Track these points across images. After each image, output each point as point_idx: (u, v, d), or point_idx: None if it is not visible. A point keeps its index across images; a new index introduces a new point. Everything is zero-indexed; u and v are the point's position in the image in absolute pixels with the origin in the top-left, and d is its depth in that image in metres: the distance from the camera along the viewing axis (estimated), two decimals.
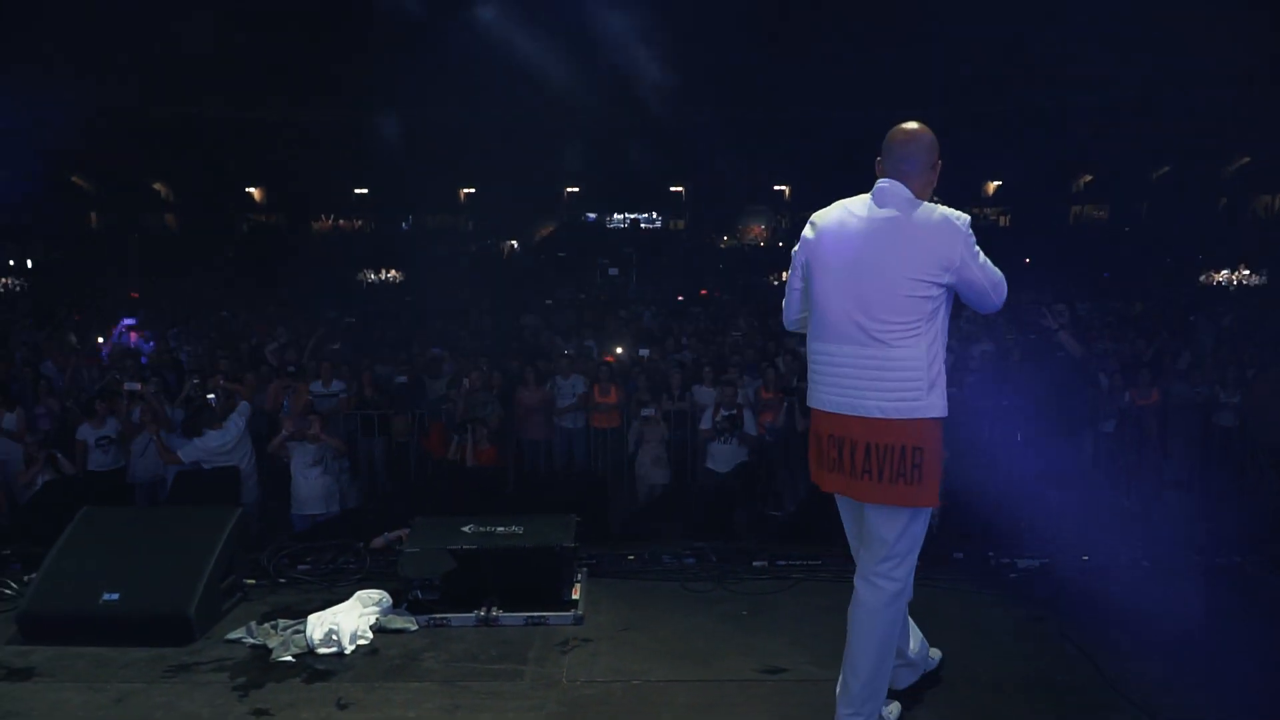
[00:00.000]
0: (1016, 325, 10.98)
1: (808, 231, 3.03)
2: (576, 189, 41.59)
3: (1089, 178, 40.93)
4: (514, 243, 39.32)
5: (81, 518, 4.22)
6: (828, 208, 3.02)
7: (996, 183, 42.24)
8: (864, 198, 2.94)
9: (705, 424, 8.82)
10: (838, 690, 2.98)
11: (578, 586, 4.14)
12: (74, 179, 37.43)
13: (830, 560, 4.41)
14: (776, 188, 44.71)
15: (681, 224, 45.52)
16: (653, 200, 43.62)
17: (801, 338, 3.15)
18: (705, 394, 10.39)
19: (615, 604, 4.16)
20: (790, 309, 3.16)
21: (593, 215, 43.19)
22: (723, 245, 42.71)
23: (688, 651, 3.69)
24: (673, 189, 44.13)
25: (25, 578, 4.42)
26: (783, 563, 4.48)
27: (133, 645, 3.76)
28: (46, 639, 3.81)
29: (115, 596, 3.81)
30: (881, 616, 2.90)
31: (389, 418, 9.82)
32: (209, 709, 3.28)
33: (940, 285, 2.82)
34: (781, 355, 12.05)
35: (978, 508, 6.28)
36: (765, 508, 9.11)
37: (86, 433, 8.58)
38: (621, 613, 4.07)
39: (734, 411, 8.62)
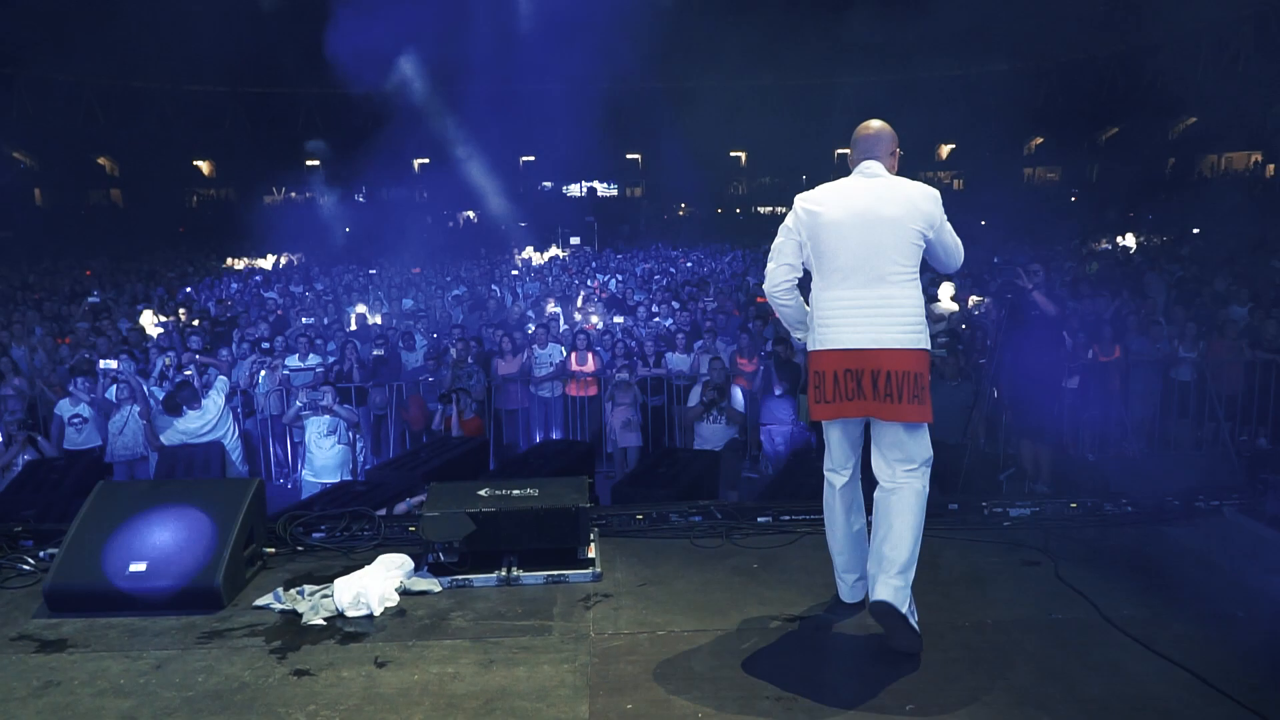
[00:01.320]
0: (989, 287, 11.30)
1: (802, 208, 3.52)
2: (532, 158, 41.34)
3: (1040, 140, 41.59)
4: (471, 213, 39.03)
5: (99, 492, 4.25)
6: (814, 190, 3.54)
7: (950, 146, 42.78)
8: (850, 179, 3.53)
9: (693, 401, 8.91)
10: (872, 568, 3.41)
11: (593, 545, 4.26)
12: (16, 154, 36.43)
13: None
14: (733, 154, 44.85)
15: (639, 191, 45.50)
16: (609, 169, 43.53)
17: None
18: (679, 360, 10.56)
19: (630, 562, 4.30)
20: (777, 274, 3.61)
21: (549, 184, 43.00)
22: (681, 214, 42.77)
23: (706, 604, 3.84)
24: (629, 156, 44.06)
25: (40, 553, 4.45)
26: (787, 517, 4.64)
27: (161, 615, 3.83)
28: (74, 611, 3.86)
29: (142, 567, 3.87)
30: (919, 500, 3.42)
31: (366, 390, 9.86)
32: (250, 671, 3.37)
33: (926, 239, 3.43)
34: (753, 322, 12.25)
35: (959, 462, 6.55)
36: (742, 469, 9.34)
37: (64, 409, 8.53)
38: (637, 570, 4.21)
39: (717, 388, 8.73)
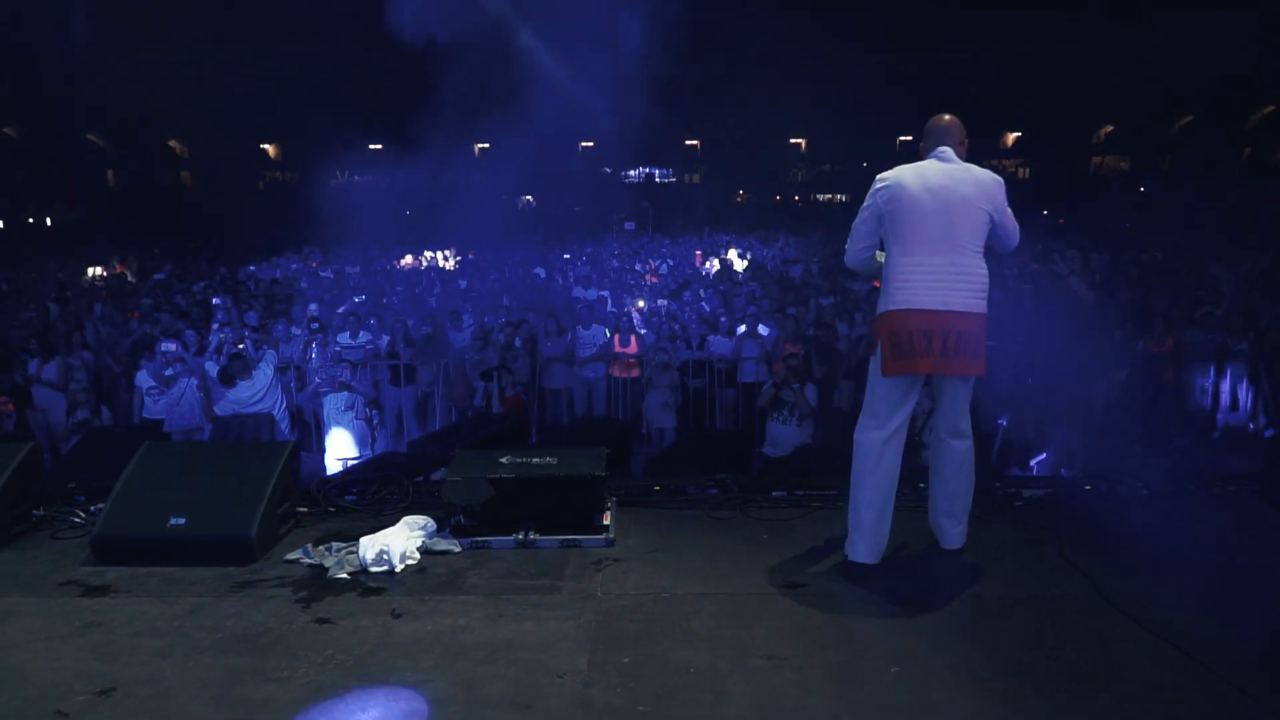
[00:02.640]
0: (1028, 273, 11.15)
1: (883, 184, 3.90)
2: (591, 143, 41.47)
3: (1110, 128, 40.58)
4: (529, 197, 39.34)
5: (144, 451, 4.52)
6: (895, 169, 3.92)
7: (1016, 134, 41.96)
8: (927, 161, 3.93)
9: (763, 400, 8.44)
10: (934, 518, 4.07)
11: (608, 514, 4.41)
12: (90, 137, 37.65)
13: (845, 489, 4.67)
14: (793, 140, 44.50)
15: (697, 178, 45.41)
16: (668, 154, 43.47)
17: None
18: (722, 344, 10.66)
19: (643, 530, 4.44)
20: (856, 244, 4.05)
21: (608, 170, 43.09)
22: (739, 200, 42.61)
23: (712, 570, 3.97)
24: (688, 142, 44.00)
25: (91, 508, 4.73)
26: (801, 493, 4.73)
27: (198, 565, 4.07)
28: (118, 560, 4.12)
29: (182, 521, 4.12)
30: (971, 455, 3.98)
31: (414, 368, 10.14)
32: (275, 619, 3.58)
33: (992, 219, 3.86)
34: (796, 306, 12.28)
35: (987, 445, 6.55)
36: (758, 447, 9.26)
37: (143, 380, 8.91)
38: (649, 537, 4.35)
39: (791, 367, 8.07)
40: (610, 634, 3.40)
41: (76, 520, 4.63)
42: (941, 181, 3.83)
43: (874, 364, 3.95)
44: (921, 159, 3.96)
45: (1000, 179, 3.90)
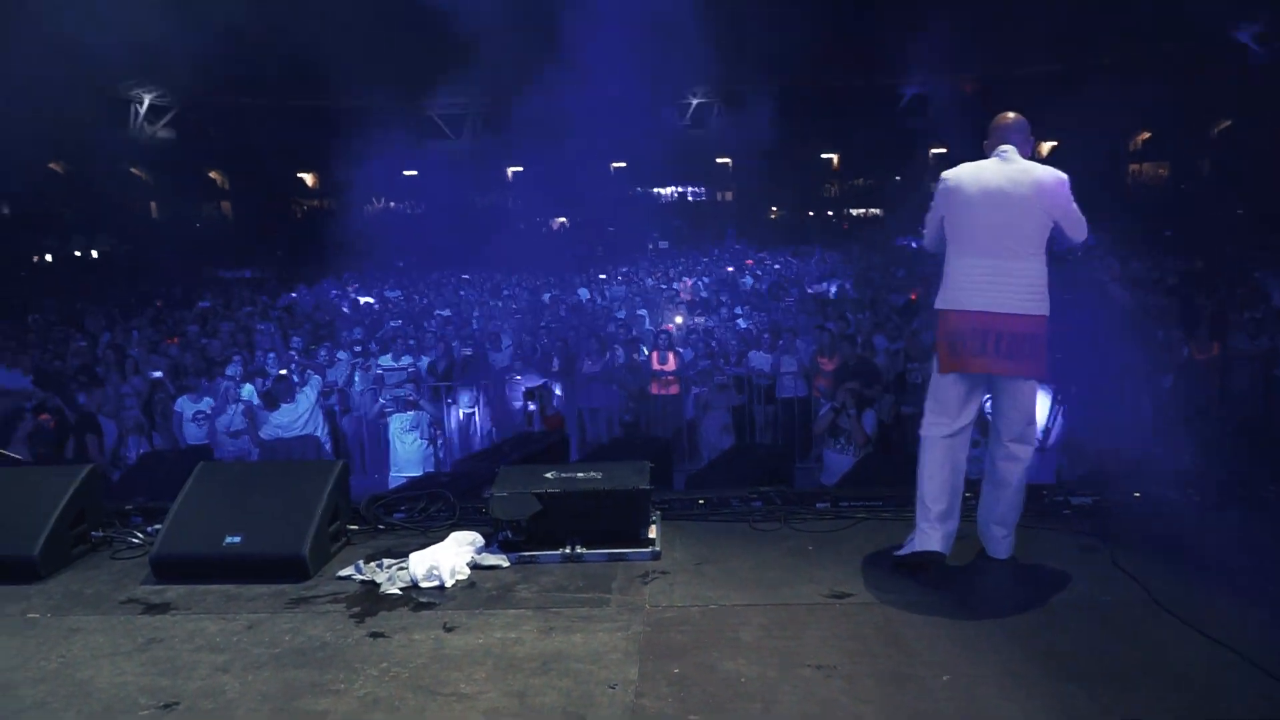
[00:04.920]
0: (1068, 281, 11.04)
1: (947, 183, 3.97)
2: (623, 164, 41.71)
3: (1147, 135, 40.05)
4: (564, 219, 39.60)
5: (199, 471, 4.63)
6: (955, 168, 3.98)
7: (1051, 143, 41.57)
8: (988, 160, 3.95)
9: (820, 425, 8.23)
10: (984, 526, 4.08)
11: (653, 527, 4.44)
12: (133, 170, 38.48)
13: (890, 501, 4.69)
14: (824, 155, 44.43)
15: (730, 195, 45.45)
16: (698, 172, 43.57)
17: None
18: (762, 359, 10.67)
19: (689, 543, 4.47)
20: (930, 237, 4.13)
21: (639, 189, 43.28)
22: (772, 217, 42.62)
23: (759, 581, 3.99)
24: (719, 160, 44.09)
25: (148, 529, 4.85)
26: (846, 504, 4.74)
27: (253, 583, 4.16)
28: (177, 578, 4.22)
29: (238, 539, 4.21)
30: (1030, 463, 4.02)
31: (455, 389, 10.26)
32: (331, 633, 3.66)
33: (1052, 219, 3.85)
34: (833, 321, 12.26)
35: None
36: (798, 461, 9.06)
37: (184, 406, 9.09)
38: (695, 550, 4.38)
39: (852, 391, 7.82)
40: (659, 645, 3.43)
41: (135, 540, 4.74)
42: (998, 183, 3.84)
43: (934, 361, 4.03)
44: (985, 157, 3.97)
45: (1063, 176, 3.87)
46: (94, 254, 35.97)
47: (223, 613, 3.90)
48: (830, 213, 42.90)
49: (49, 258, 34.32)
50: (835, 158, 44.92)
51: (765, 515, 4.73)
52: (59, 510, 4.44)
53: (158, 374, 10.22)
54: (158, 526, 4.67)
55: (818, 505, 4.79)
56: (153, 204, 40.32)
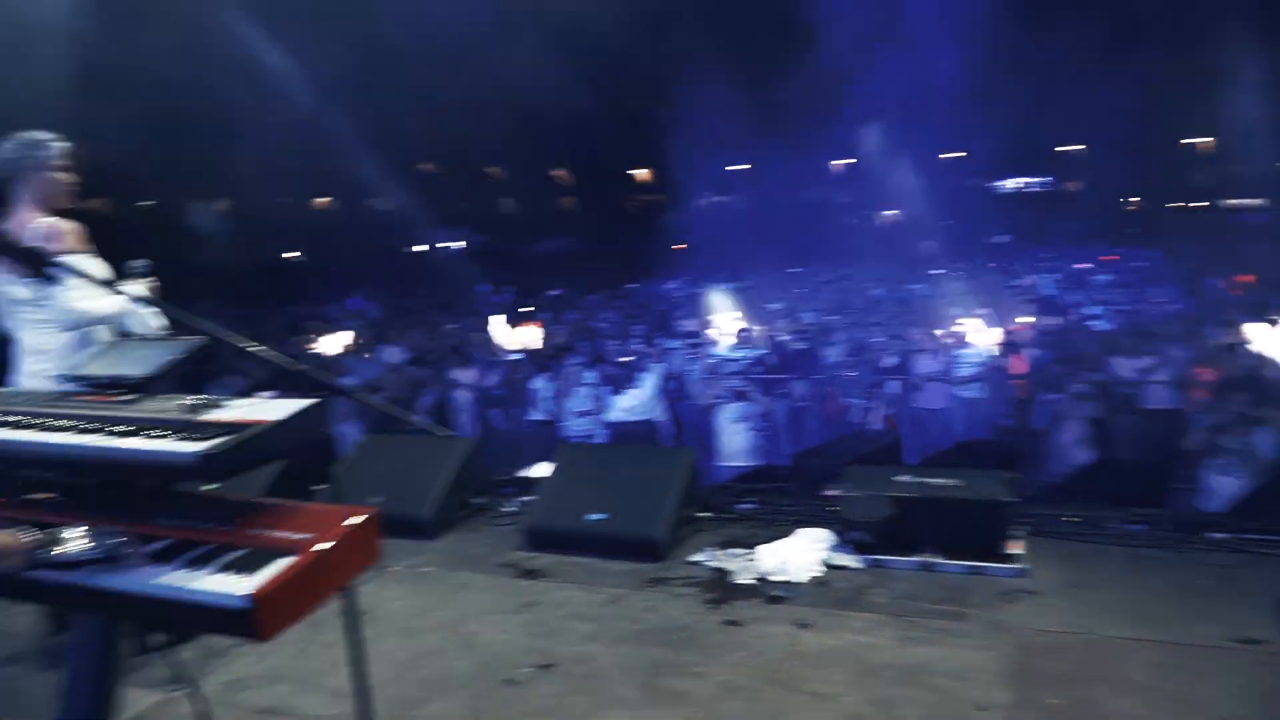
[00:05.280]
0: None
1: None
2: (964, 154, 39.78)
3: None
4: (894, 212, 38.49)
5: (561, 451, 4.98)
6: None
7: None
8: None
9: (1196, 442, 7.25)
10: None
11: (1019, 542, 4.14)
12: (486, 169, 42.51)
13: None
14: (1189, 141, 39.64)
15: (1078, 185, 41.91)
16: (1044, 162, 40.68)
17: None
18: (1124, 365, 9.69)
19: (1058, 562, 4.11)
20: None
21: (977, 181, 41.07)
22: (1131, 208, 38.73)
23: (1144, 614, 3.58)
24: (1065, 148, 40.78)
25: (518, 499, 5.27)
26: (1248, 536, 4.15)
27: (611, 559, 4.39)
28: (545, 547, 4.55)
29: (598, 517, 4.46)
30: None
31: (786, 382, 10.27)
32: (688, 615, 3.77)
33: None
34: (1209, 323, 10.91)
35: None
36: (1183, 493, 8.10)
37: (537, 383, 9.90)
38: (1065, 571, 4.02)
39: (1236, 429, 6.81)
40: (1032, 671, 3.19)
41: (508, 510, 5.17)
42: None
43: None
44: None
45: None
46: (449, 246, 40.03)
47: (587, 584, 4.14)
48: (1199, 203, 38.17)
49: (417, 249, 38.63)
50: (1208, 141, 39.91)
51: (1147, 540, 4.25)
52: (449, 477, 4.94)
53: (519, 355, 11.13)
54: (525, 498, 5.08)
55: (1210, 535, 4.23)
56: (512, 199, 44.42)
